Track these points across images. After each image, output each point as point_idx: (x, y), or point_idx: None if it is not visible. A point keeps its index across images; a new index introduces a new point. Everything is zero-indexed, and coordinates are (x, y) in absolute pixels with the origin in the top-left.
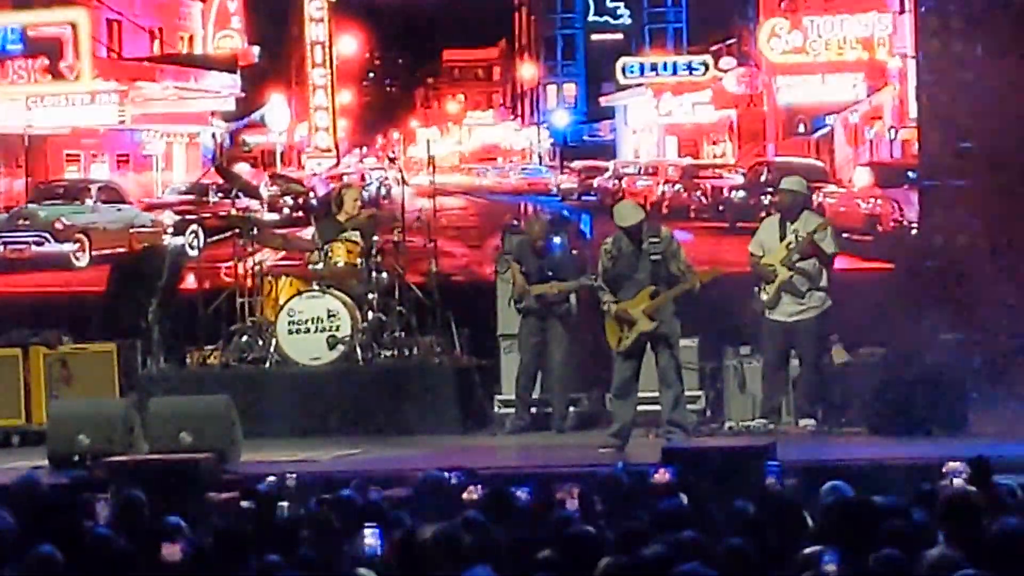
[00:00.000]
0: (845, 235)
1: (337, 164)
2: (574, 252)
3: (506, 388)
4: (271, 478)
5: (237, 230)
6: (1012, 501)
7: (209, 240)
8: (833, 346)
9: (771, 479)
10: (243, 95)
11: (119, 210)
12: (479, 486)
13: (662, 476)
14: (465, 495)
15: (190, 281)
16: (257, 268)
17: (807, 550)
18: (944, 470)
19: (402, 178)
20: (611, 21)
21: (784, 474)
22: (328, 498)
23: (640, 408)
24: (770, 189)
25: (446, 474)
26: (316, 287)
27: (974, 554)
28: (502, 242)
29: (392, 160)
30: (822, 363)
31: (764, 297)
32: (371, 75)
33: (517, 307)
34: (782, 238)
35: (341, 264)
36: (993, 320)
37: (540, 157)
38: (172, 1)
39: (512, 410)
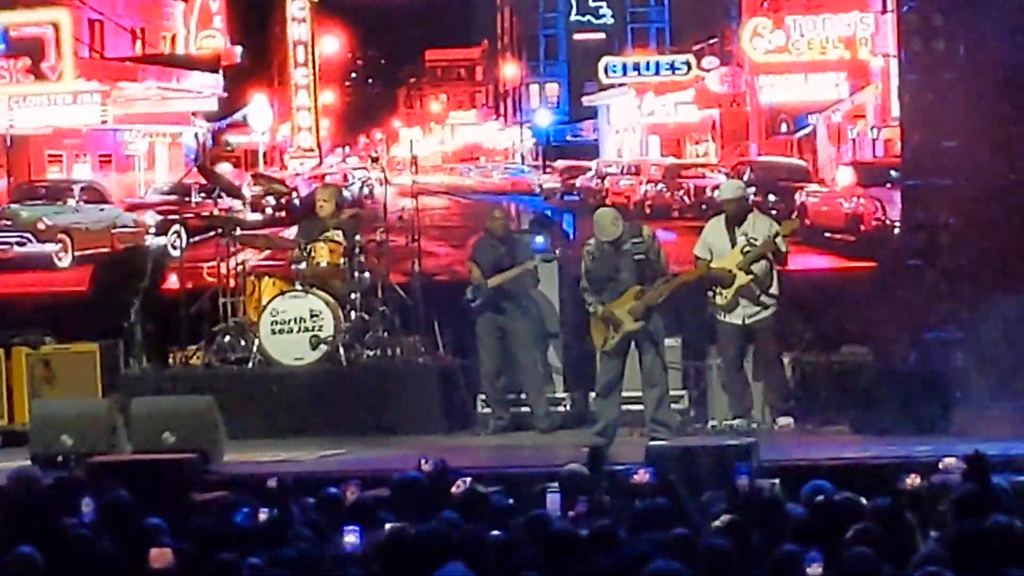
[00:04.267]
0: (827, 234)
1: (320, 164)
2: (530, 240)
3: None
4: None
5: (219, 230)
6: (1007, 499)
7: (191, 240)
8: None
9: (743, 479)
10: (225, 95)
11: (101, 210)
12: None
13: (641, 477)
14: (454, 488)
15: (172, 281)
16: (240, 268)
17: (788, 549)
18: (940, 466)
19: (385, 178)
20: (593, 21)
21: (765, 473)
22: (312, 498)
23: (624, 407)
24: (753, 189)
25: (422, 463)
26: (299, 287)
27: (966, 552)
28: None
29: (375, 160)
30: (783, 361)
31: (720, 301)
32: (353, 75)
33: (470, 305)
34: (732, 242)
35: (324, 264)
36: (976, 319)
37: (523, 157)
38: (154, 1)
39: (491, 410)
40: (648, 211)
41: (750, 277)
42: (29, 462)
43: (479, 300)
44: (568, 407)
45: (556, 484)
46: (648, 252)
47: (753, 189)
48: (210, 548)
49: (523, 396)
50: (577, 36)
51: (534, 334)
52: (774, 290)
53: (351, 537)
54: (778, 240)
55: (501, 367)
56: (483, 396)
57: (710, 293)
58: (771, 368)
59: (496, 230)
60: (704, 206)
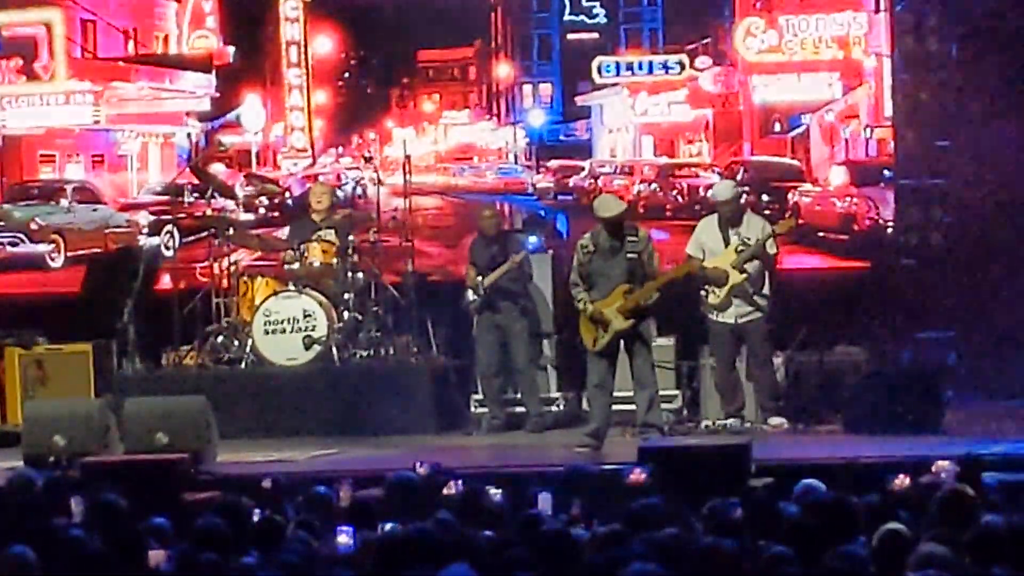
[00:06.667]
0: (821, 234)
1: (313, 164)
2: (522, 238)
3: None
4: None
5: (213, 230)
6: (1000, 498)
7: (184, 240)
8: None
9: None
10: (218, 95)
11: (94, 210)
12: (457, 482)
13: (637, 476)
14: (446, 490)
15: (165, 282)
16: (233, 268)
17: (779, 551)
18: (933, 469)
19: (378, 178)
20: (587, 20)
21: (758, 473)
22: (304, 498)
23: (616, 407)
24: (746, 188)
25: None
26: (292, 287)
27: (959, 551)
28: None
29: (368, 160)
30: (774, 361)
31: (712, 300)
32: (346, 75)
33: (470, 307)
34: (726, 241)
35: (317, 264)
36: (968, 318)
37: (516, 157)
38: (147, 1)
39: (487, 410)
40: (642, 211)
41: (744, 276)
42: (21, 463)
43: (477, 301)
44: (561, 407)
45: (549, 484)
46: (642, 253)
47: (746, 189)
48: (204, 548)
49: (518, 396)
50: (570, 36)
51: (531, 333)
52: (767, 291)
53: (344, 537)
54: (767, 242)
55: (499, 366)
56: (479, 396)
57: (703, 293)
58: (762, 368)
59: (487, 229)
60: (698, 206)
